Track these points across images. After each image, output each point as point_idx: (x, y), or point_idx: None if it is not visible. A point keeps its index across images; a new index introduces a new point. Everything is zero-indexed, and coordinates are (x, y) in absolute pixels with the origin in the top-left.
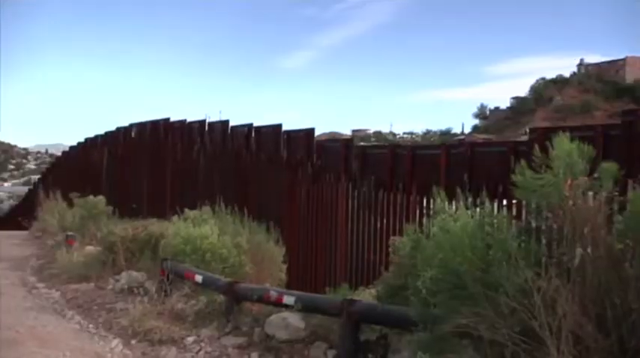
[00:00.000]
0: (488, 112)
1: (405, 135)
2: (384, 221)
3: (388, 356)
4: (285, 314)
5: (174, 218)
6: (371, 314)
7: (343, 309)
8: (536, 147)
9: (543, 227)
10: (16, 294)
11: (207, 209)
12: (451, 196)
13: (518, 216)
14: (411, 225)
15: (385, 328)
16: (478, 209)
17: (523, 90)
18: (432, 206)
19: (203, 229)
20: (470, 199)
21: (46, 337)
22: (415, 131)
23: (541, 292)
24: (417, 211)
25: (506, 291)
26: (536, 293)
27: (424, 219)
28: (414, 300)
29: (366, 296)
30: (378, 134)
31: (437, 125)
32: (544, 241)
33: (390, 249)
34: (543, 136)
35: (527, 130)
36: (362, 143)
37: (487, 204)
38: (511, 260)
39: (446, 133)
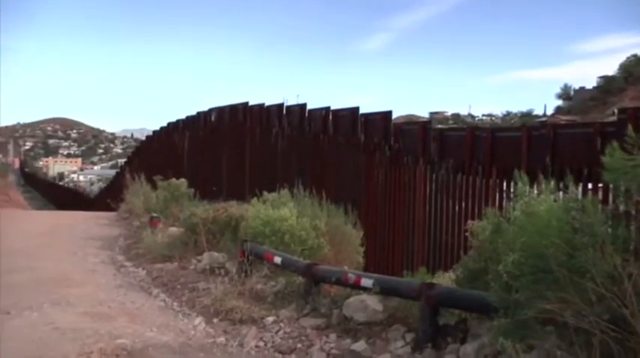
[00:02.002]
0: (572, 93)
1: (484, 118)
2: (463, 204)
3: (467, 340)
4: (364, 296)
5: (254, 200)
6: (450, 298)
7: (422, 293)
8: (630, 127)
9: (633, 211)
10: (106, 272)
11: (285, 191)
12: (533, 179)
13: (605, 201)
14: (490, 209)
15: (464, 313)
16: (561, 192)
17: (612, 69)
18: (512, 189)
19: (282, 211)
20: (552, 182)
21: (135, 313)
22: (494, 113)
23: (632, 279)
24: (497, 195)
25: (593, 277)
26: (627, 279)
27: (504, 203)
28: (494, 285)
29: (445, 280)
30: (456, 116)
31: (517, 107)
32: (634, 226)
33: (468, 233)
34: (634, 116)
35: (616, 111)
36: (440, 125)
37: (572, 187)
38: (599, 245)
39: (527, 115)
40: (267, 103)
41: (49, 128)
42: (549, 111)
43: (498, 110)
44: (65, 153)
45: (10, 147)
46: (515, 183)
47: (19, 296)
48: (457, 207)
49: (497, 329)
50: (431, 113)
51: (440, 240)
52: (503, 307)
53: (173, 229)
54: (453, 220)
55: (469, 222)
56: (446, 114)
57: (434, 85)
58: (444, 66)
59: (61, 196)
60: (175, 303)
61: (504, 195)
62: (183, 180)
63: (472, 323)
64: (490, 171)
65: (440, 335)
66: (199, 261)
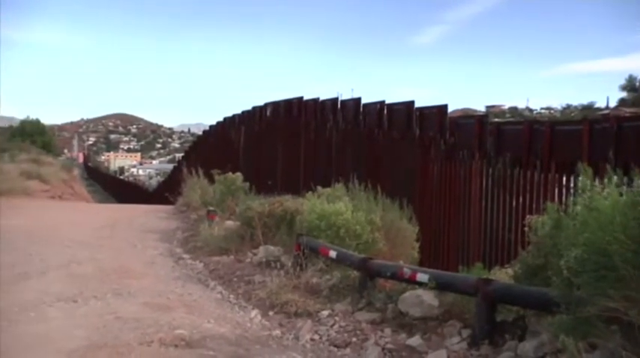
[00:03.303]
0: (638, 84)
1: (543, 111)
2: (520, 199)
3: (526, 338)
4: (419, 291)
5: (309, 194)
6: (508, 294)
7: (479, 288)
8: None
9: None
10: (165, 264)
11: (340, 186)
12: (595, 173)
13: None
14: (549, 204)
15: (522, 309)
16: (626, 187)
17: None
18: (572, 184)
19: (337, 206)
20: (615, 177)
21: (192, 304)
22: (553, 106)
23: None
24: (556, 189)
25: None
26: None
27: (563, 198)
28: (555, 281)
29: (502, 275)
30: (513, 110)
31: (578, 99)
32: None
33: (527, 228)
34: None
35: None
36: (496, 119)
37: (638, 181)
38: None
39: (588, 108)
40: (321, 98)
41: (111, 123)
42: (612, 104)
43: (557, 103)
44: (125, 147)
45: (75, 142)
46: (577, 177)
47: (85, 285)
48: (514, 202)
49: (558, 326)
50: (487, 107)
51: (496, 236)
52: (565, 303)
53: (229, 222)
54: (509, 215)
55: (528, 216)
56: (503, 107)
57: (490, 78)
58: (501, 58)
59: (121, 189)
60: (232, 296)
61: (564, 189)
62: (238, 174)
63: (530, 320)
64: (549, 166)
65: (497, 332)
66: (255, 255)
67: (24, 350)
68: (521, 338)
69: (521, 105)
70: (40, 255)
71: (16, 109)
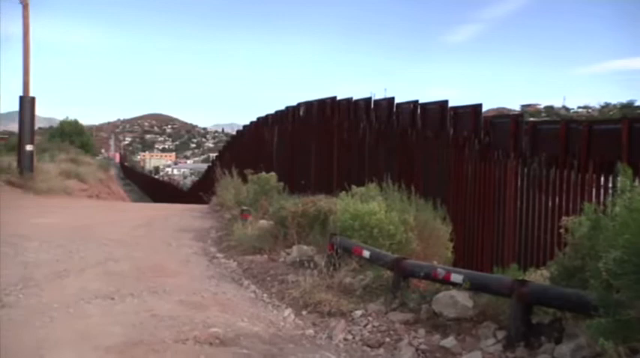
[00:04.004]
0: None
1: (580, 110)
2: (556, 200)
3: (563, 340)
4: (453, 292)
5: (342, 194)
6: (544, 296)
7: (514, 290)
8: None
9: None
10: (199, 263)
11: (373, 185)
12: (634, 174)
13: None
14: (587, 204)
15: (559, 311)
16: None
17: None
18: (611, 184)
19: (371, 205)
20: None
21: (226, 303)
22: (591, 105)
23: None
24: (594, 190)
25: None
26: None
27: (602, 198)
28: (593, 283)
29: (537, 277)
30: (549, 109)
31: (616, 98)
32: None
33: (563, 230)
34: None
35: None
36: (532, 118)
37: None
38: None
39: (627, 106)
40: (354, 97)
41: (146, 124)
42: None
43: (595, 101)
44: (160, 147)
45: (112, 142)
46: (616, 177)
47: (122, 283)
48: (550, 203)
49: (597, 329)
50: (523, 106)
51: (532, 236)
52: (604, 306)
53: (263, 222)
54: (545, 216)
55: (564, 218)
56: (539, 106)
57: (525, 76)
58: (536, 57)
59: (156, 189)
60: (265, 295)
61: (603, 190)
62: (272, 173)
63: (567, 322)
64: (586, 166)
65: (533, 334)
66: (288, 254)
67: (63, 345)
68: (558, 341)
69: (557, 104)
70: (79, 252)
71: (55, 110)
